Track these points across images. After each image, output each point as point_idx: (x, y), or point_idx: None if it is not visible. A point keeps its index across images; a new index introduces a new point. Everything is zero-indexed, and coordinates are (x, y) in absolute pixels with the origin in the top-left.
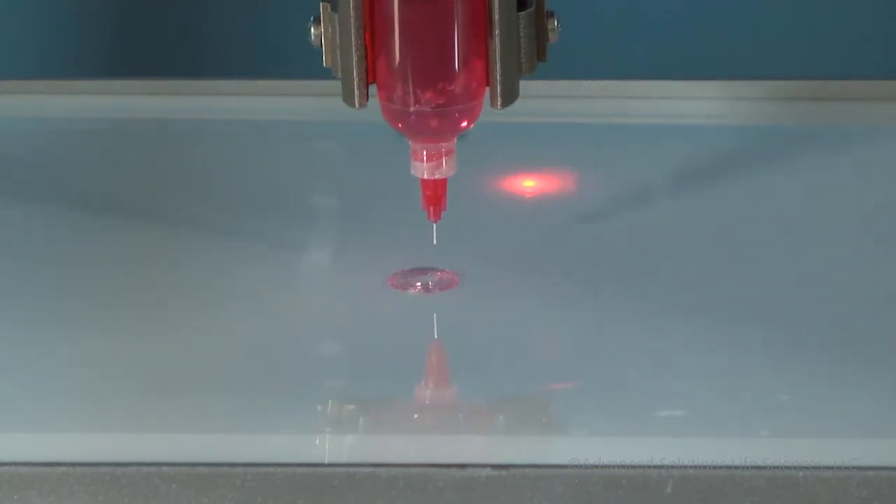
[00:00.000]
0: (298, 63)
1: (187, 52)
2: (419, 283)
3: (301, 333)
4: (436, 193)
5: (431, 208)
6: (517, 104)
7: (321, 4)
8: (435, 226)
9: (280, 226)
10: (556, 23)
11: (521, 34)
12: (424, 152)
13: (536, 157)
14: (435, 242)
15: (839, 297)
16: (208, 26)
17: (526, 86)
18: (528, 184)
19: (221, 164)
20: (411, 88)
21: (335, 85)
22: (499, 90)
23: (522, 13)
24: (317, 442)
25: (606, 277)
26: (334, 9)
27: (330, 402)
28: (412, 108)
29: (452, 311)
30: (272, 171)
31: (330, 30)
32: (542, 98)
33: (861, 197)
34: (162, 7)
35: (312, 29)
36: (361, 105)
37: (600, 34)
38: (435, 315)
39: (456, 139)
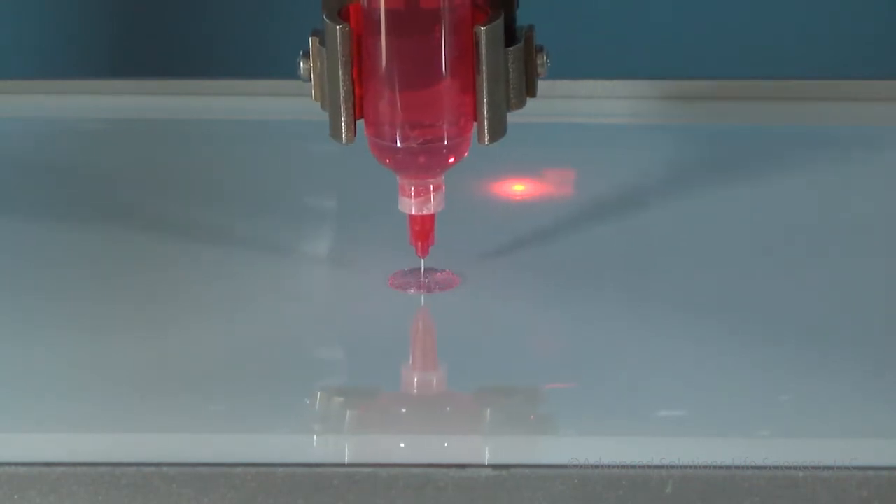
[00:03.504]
0: (298, 63)
1: (187, 52)
2: (419, 283)
3: (301, 333)
4: (424, 229)
5: (419, 244)
6: None
7: (310, 38)
8: (423, 260)
9: (280, 226)
10: (545, 58)
11: (510, 69)
12: (412, 188)
13: (536, 157)
14: (422, 274)
15: (839, 297)
16: (208, 26)
17: None
18: (524, 187)
19: (221, 164)
20: (399, 124)
21: None
22: (486, 126)
23: (511, 48)
24: (317, 442)
25: (607, 277)
26: (322, 43)
27: (330, 401)
28: (400, 145)
29: (452, 311)
30: (272, 170)
31: (319, 64)
32: (541, 98)
33: (861, 197)
34: (162, 7)
35: (301, 63)
36: (349, 141)
37: (600, 34)
38: (435, 315)
39: (443, 175)
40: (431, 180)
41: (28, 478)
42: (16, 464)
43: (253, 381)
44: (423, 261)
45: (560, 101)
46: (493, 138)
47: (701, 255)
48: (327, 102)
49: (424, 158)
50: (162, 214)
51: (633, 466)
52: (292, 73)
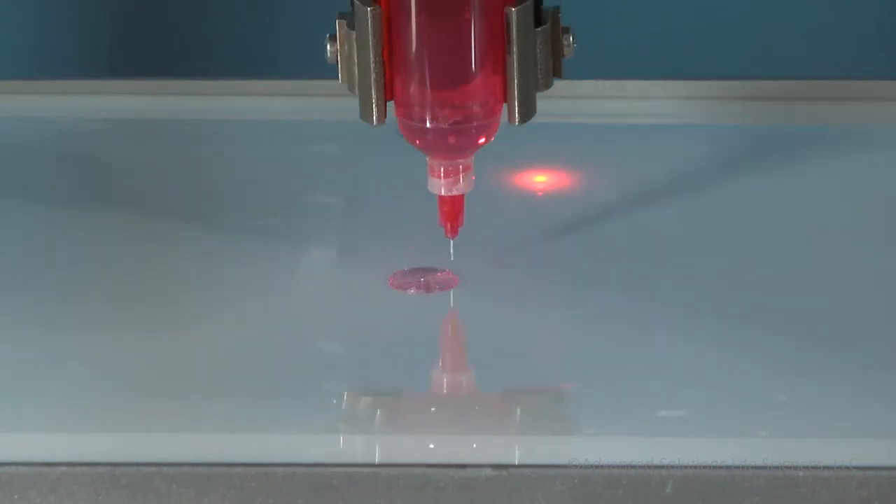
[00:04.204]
0: (298, 63)
1: (187, 52)
2: (419, 283)
3: (301, 333)
4: (453, 210)
5: (449, 224)
6: None
7: (337, 21)
8: (452, 241)
9: (280, 226)
10: (571, 38)
11: (538, 50)
12: (442, 169)
13: (536, 157)
14: (452, 258)
15: (839, 297)
16: (208, 26)
17: None
18: (525, 186)
19: (221, 164)
20: (429, 105)
21: (334, 85)
22: (517, 107)
23: (539, 29)
24: (317, 442)
25: (606, 277)
26: (350, 26)
27: (330, 402)
28: (430, 125)
29: (454, 310)
30: (272, 171)
31: (346, 47)
32: (541, 98)
33: (861, 197)
34: (162, 7)
35: (328, 46)
36: (380, 122)
37: (600, 34)
38: (435, 315)
39: (473, 156)
40: (461, 161)
41: (28, 478)
42: (16, 464)
43: (253, 381)
44: (451, 242)
45: (560, 101)
46: (523, 119)
47: (701, 255)
48: (356, 85)
49: (454, 139)
50: (161, 215)
51: (633, 466)
52: (292, 73)
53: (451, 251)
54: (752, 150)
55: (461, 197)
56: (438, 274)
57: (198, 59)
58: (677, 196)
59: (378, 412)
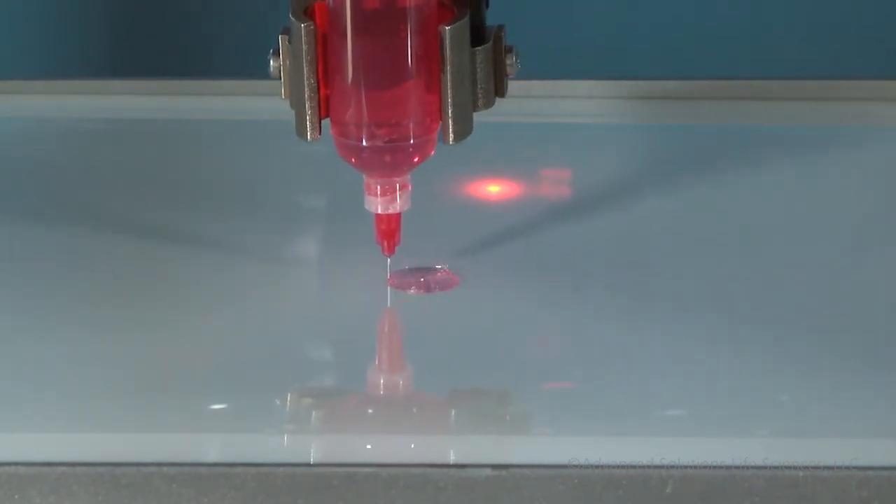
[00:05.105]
0: None
1: (187, 52)
2: (419, 283)
3: (301, 333)
4: (390, 228)
5: (385, 243)
6: (517, 102)
7: (280, 37)
8: (389, 260)
9: (280, 226)
10: (514, 58)
11: (477, 69)
12: (378, 187)
13: (534, 157)
14: (388, 277)
15: (839, 297)
16: (208, 26)
17: (527, 86)
18: (518, 187)
19: (220, 164)
20: (364, 124)
21: None
22: (451, 126)
23: (478, 48)
24: (317, 442)
25: (606, 277)
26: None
27: (330, 401)
28: (365, 144)
29: (452, 311)
30: (271, 171)
31: (288, 62)
32: (542, 98)
33: (860, 197)
34: (162, 7)
35: (271, 61)
36: (314, 139)
37: (600, 34)
38: (432, 314)
39: (409, 174)
40: (397, 179)
41: (28, 478)
42: (16, 464)
43: (253, 381)
44: (389, 259)
45: (560, 101)
46: (457, 138)
47: (702, 255)
48: (294, 100)
49: (390, 157)
50: (162, 214)
51: (633, 466)
52: None
53: (388, 270)
54: (750, 149)
55: (398, 215)
56: (438, 273)
57: (198, 59)
58: (675, 196)
59: (377, 412)
